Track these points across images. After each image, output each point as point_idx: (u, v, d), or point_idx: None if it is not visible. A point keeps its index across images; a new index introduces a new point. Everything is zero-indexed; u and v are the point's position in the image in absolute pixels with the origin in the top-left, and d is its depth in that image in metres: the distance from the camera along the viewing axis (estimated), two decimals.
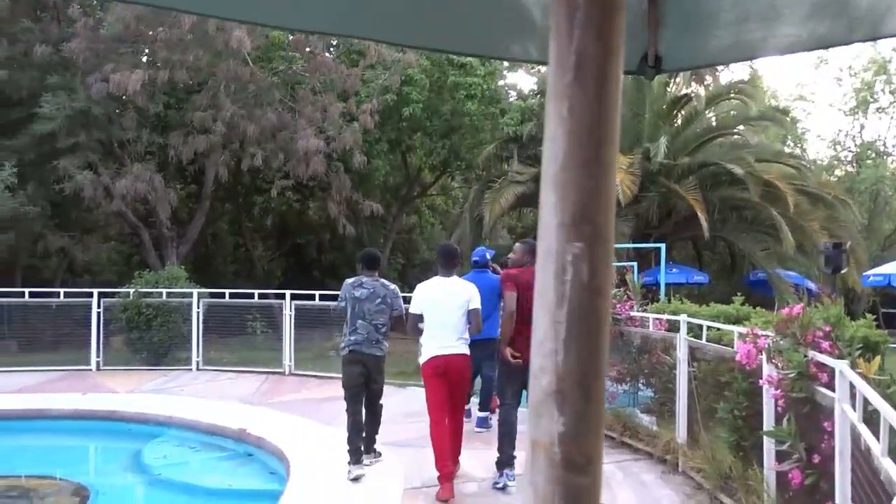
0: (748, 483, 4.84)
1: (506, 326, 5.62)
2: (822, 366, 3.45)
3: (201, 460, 7.15)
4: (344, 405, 6.01)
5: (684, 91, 19.30)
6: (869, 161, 24.70)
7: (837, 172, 26.61)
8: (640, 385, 7.79)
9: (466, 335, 5.61)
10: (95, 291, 11.84)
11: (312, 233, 23.08)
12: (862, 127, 25.46)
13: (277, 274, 22.61)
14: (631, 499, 5.34)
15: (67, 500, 6.06)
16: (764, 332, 3.98)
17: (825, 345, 3.51)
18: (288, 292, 11.41)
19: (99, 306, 11.70)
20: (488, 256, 7.73)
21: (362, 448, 5.90)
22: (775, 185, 16.04)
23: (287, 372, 11.25)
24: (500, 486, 5.64)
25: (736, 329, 5.18)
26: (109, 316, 11.94)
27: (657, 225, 18.85)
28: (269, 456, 6.78)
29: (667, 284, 14.37)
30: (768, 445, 4.53)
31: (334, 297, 11.39)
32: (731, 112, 21.25)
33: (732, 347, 5.23)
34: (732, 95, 20.41)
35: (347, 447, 5.79)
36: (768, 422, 4.52)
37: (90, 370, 11.37)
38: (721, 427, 5.47)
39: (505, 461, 5.68)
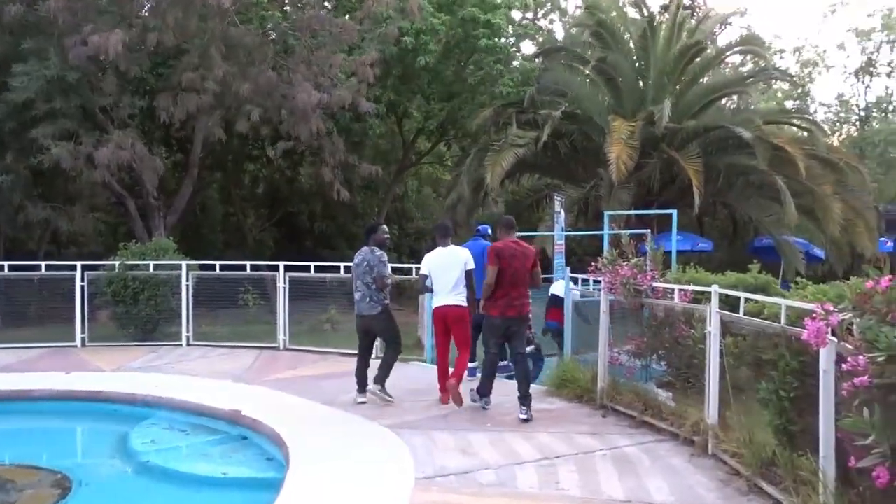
0: (798, 472, 4.38)
1: (485, 293, 6.97)
2: None
3: (192, 445, 6.65)
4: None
5: (694, 39, 18.50)
6: (875, 122, 24.18)
7: (838, 136, 26.12)
8: (652, 359, 7.36)
9: (462, 291, 7.38)
10: (79, 264, 11.23)
11: (304, 201, 22.46)
12: (867, 87, 24.90)
13: (269, 244, 22.04)
14: (663, 488, 4.89)
15: (48, 493, 5.56)
16: (836, 308, 3.47)
17: None
18: (282, 264, 10.85)
19: (83, 280, 11.12)
20: (489, 231, 9.10)
21: (366, 385, 7.44)
22: (785, 149, 15.52)
23: (282, 347, 10.76)
24: (479, 404, 7.13)
25: (784, 302, 4.69)
26: (94, 290, 11.38)
27: (659, 192, 18.36)
28: (265, 440, 6.29)
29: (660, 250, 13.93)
30: (825, 433, 4.06)
31: (330, 269, 11.05)
32: (741, 68, 20.60)
33: (778, 322, 4.75)
34: (741, 48, 19.73)
35: (356, 379, 7.51)
36: (826, 407, 4.05)
37: (75, 347, 10.85)
38: (763, 408, 4.99)
39: (485, 391, 7.14)
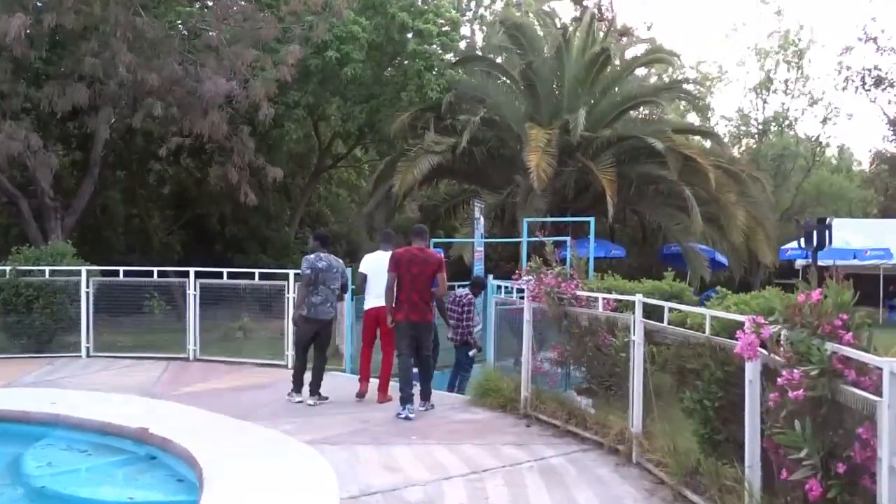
0: (723, 481, 4.44)
1: (386, 297, 7.32)
2: (846, 361, 3.00)
3: (95, 467, 6.18)
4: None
5: (602, 47, 18.97)
6: (772, 136, 25.51)
7: (738, 149, 27.40)
8: (572, 367, 7.41)
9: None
10: None
11: (214, 203, 21.63)
12: (765, 102, 26.24)
13: (176, 248, 21.11)
14: (591, 499, 4.87)
15: None
16: (767, 321, 3.51)
17: (847, 336, 3.07)
18: (192, 270, 10.33)
19: None
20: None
21: (302, 386, 7.71)
22: (695, 159, 16.12)
23: (192, 357, 10.25)
24: (402, 416, 7.04)
25: (709, 312, 4.75)
26: None
27: (573, 199, 18.72)
28: (176, 459, 5.89)
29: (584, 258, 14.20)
30: (751, 443, 4.12)
31: (244, 276, 10.63)
32: (651, 80, 21.31)
33: (702, 331, 4.82)
34: (650, 59, 20.38)
35: (293, 379, 7.86)
36: (751, 417, 4.11)
37: None
38: (687, 417, 5.06)
39: (404, 398, 7.14)
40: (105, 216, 20.16)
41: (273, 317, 11.08)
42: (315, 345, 7.85)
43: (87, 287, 10.46)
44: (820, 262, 15.11)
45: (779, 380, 3.21)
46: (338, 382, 8.91)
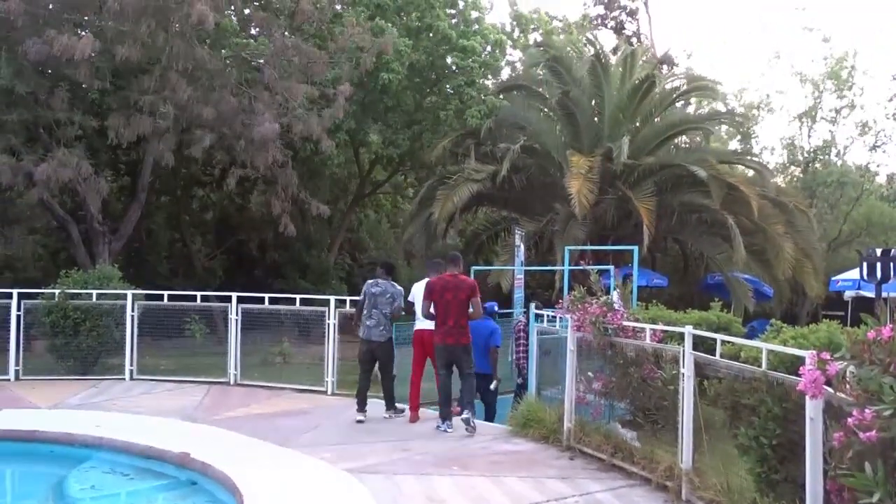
0: None
1: (429, 319, 7.82)
2: None
3: (136, 491, 6.19)
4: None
5: (645, 75, 18.83)
6: (818, 165, 24.98)
7: (784, 178, 26.87)
8: (616, 398, 7.23)
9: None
10: (15, 292, 10.59)
11: (255, 229, 21.94)
12: (811, 130, 25.77)
13: (218, 272, 21.38)
14: None
15: None
16: (833, 357, 3.35)
17: None
18: (234, 295, 10.40)
19: (19, 308, 10.48)
20: (496, 308, 10.33)
21: (364, 405, 8.17)
22: (739, 188, 15.83)
23: (232, 382, 10.28)
24: (441, 429, 7.63)
25: (765, 346, 4.58)
26: (31, 319, 10.72)
27: (614, 227, 18.50)
28: (216, 486, 5.87)
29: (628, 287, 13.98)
30: (812, 483, 3.94)
31: (285, 301, 10.69)
32: (691, 108, 21.10)
33: (758, 365, 4.65)
34: (694, 88, 20.19)
35: (356, 398, 8.27)
36: (813, 457, 3.93)
37: (8, 380, 10.15)
38: (741, 454, 4.86)
39: (444, 416, 7.73)
40: (150, 241, 20.56)
41: (313, 342, 11.10)
42: (379, 366, 8.33)
43: (133, 310, 10.61)
44: (869, 294, 14.64)
45: (849, 420, 3.05)
46: (376, 410, 8.84)
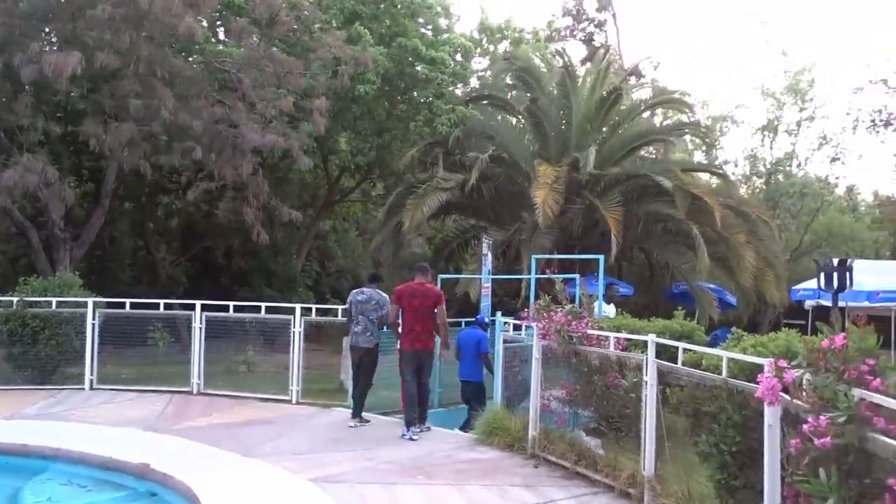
0: None
1: (393, 330, 8.20)
2: (875, 408, 2.91)
3: (94, 503, 6.05)
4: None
5: (613, 86, 19.04)
6: (780, 176, 25.49)
7: (747, 188, 27.34)
8: (580, 406, 7.28)
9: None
10: None
11: (221, 236, 21.65)
12: (773, 142, 26.30)
13: (182, 280, 21.06)
14: None
15: None
16: (789, 364, 3.42)
17: (874, 382, 2.97)
18: (198, 303, 10.26)
19: None
20: (486, 320, 10.57)
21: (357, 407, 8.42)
22: (703, 198, 16.05)
23: (195, 391, 10.11)
24: (406, 437, 7.64)
25: (725, 354, 4.66)
26: None
27: (581, 236, 18.64)
28: (177, 497, 5.77)
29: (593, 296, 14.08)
30: (770, 489, 4.00)
31: (250, 309, 10.59)
32: (657, 119, 21.38)
33: (719, 373, 4.71)
34: (662, 100, 20.46)
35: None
36: (771, 463, 3.99)
37: None
38: (702, 461, 4.92)
39: (408, 421, 7.81)
40: (113, 248, 20.17)
41: (278, 351, 11.00)
42: (360, 371, 8.52)
43: (94, 319, 10.40)
44: (829, 303, 14.96)
45: (804, 426, 3.10)
46: (341, 418, 8.80)
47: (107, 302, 10.98)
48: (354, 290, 8.79)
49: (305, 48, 15.63)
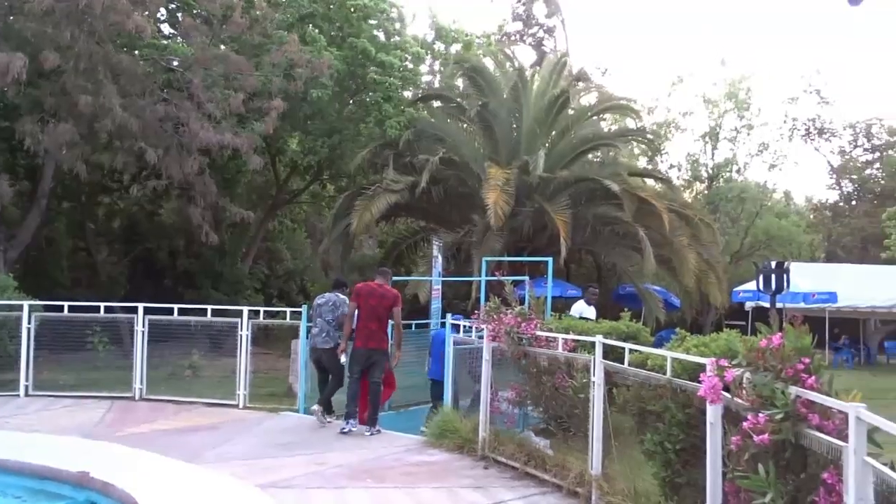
0: None
1: (346, 324, 8.24)
2: (810, 405, 3.00)
3: None
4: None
5: (561, 90, 19.28)
6: (721, 181, 26.20)
7: (690, 193, 28.04)
8: (529, 407, 7.35)
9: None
10: None
11: (165, 237, 21.17)
12: (714, 149, 27.01)
13: (124, 282, 20.51)
14: None
15: None
16: (730, 364, 3.50)
17: (809, 380, 3.07)
18: (141, 305, 10.00)
19: None
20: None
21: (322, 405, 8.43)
22: (650, 202, 16.37)
23: (138, 397, 9.85)
24: (345, 430, 7.89)
25: (670, 354, 4.75)
26: None
27: (531, 238, 18.82)
28: None
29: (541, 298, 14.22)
30: (712, 486, 4.09)
31: (196, 312, 10.36)
32: (604, 124, 21.74)
33: (664, 373, 4.80)
34: (611, 106, 20.79)
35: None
36: (713, 460, 4.08)
37: None
38: (648, 460, 5.01)
39: (348, 414, 8.03)
40: (50, 249, 19.53)
41: (225, 354, 10.79)
42: (324, 373, 8.70)
43: (29, 322, 10.03)
44: (768, 305, 15.44)
45: (744, 424, 3.19)
46: (290, 423, 8.69)
47: (44, 305, 10.62)
48: (318, 297, 9.13)
49: (259, 49, 15.39)
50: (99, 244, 21.06)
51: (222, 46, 14.67)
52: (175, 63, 14.32)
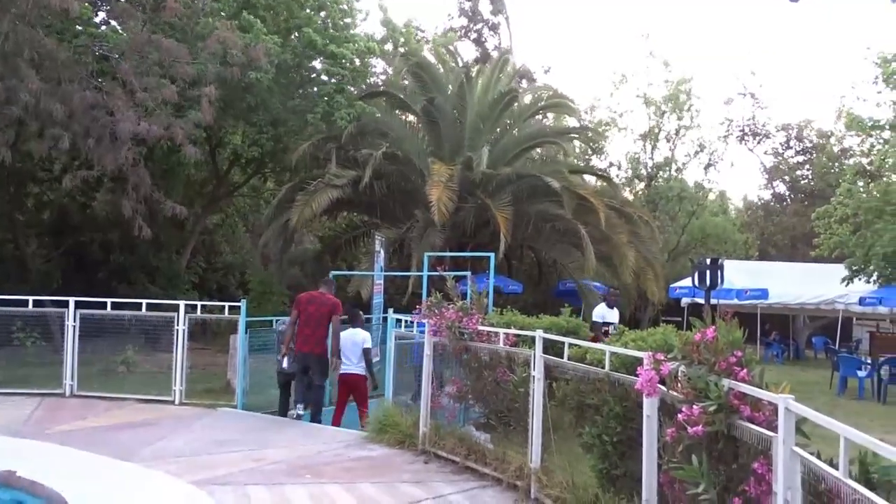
0: None
1: (287, 332, 8.65)
2: (742, 397, 3.10)
3: None
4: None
5: (508, 87, 19.42)
6: (660, 180, 26.82)
7: (630, 191, 28.63)
8: (470, 401, 7.40)
9: (362, 362, 9.05)
10: None
11: (98, 230, 20.46)
12: (654, 148, 27.62)
13: (55, 276, 19.74)
14: None
15: None
16: (666, 357, 3.59)
17: (741, 373, 3.17)
18: (72, 300, 9.66)
19: None
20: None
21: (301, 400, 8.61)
22: (588, 199, 16.63)
23: (68, 393, 9.52)
24: (293, 416, 8.39)
25: (608, 348, 4.84)
26: None
27: (472, 234, 18.92)
28: None
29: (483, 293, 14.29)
30: (648, 477, 4.19)
31: (131, 306, 10.06)
32: (547, 122, 21.99)
33: (602, 367, 4.89)
34: (552, 104, 21.02)
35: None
36: (649, 452, 4.18)
37: None
38: (586, 452, 5.10)
39: (296, 400, 8.61)
40: None
41: (160, 350, 10.52)
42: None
43: None
44: (703, 301, 15.91)
45: (679, 416, 3.27)
46: (228, 419, 8.54)
47: None
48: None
49: (194, 35, 14.95)
50: (28, 237, 20.22)
51: (161, 36, 14.21)
52: (107, 49, 13.81)
